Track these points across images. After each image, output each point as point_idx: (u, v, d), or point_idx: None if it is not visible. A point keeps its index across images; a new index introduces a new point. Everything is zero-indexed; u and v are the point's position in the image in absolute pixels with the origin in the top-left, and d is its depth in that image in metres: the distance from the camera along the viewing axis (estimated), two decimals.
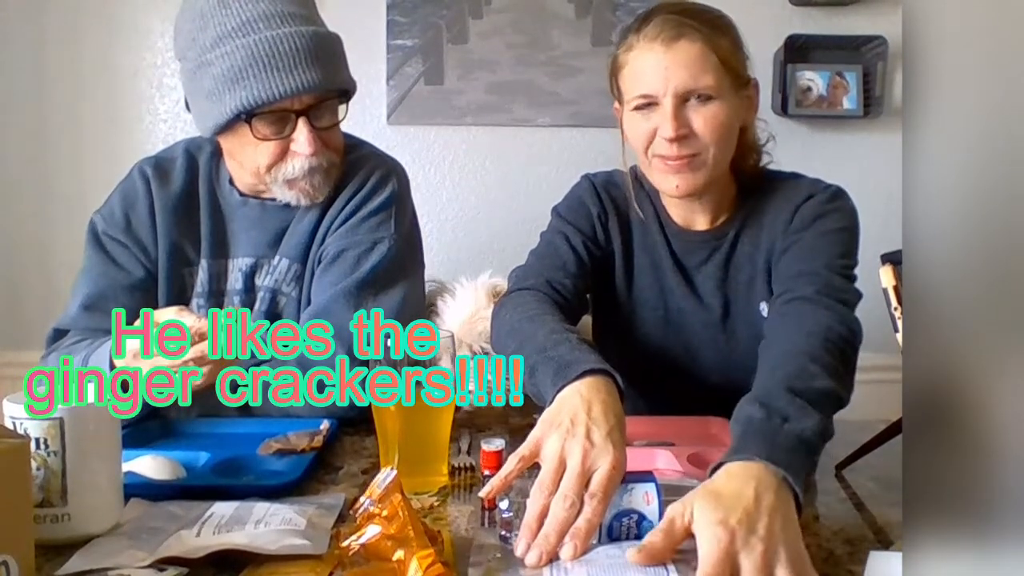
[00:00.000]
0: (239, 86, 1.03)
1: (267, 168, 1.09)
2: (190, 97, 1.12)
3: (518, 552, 0.64)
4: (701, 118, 0.99)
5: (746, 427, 0.71)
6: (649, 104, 1.00)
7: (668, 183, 1.03)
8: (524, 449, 0.71)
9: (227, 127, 1.08)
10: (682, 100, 0.98)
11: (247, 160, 1.11)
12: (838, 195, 1.07)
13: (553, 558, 0.62)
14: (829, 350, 0.83)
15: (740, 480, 0.64)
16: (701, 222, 1.11)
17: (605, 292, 1.16)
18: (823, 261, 0.98)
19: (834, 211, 1.04)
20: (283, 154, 1.08)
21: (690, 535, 0.61)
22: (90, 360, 1.02)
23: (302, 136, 1.06)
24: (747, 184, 1.10)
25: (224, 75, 1.04)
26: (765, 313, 1.08)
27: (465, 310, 1.27)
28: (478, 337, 1.23)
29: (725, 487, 0.63)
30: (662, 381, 1.15)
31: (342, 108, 1.14)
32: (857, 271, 1.02)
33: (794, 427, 0.70)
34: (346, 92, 1.13)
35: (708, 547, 0.58)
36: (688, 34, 0.97)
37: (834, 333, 0.85)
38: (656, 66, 0.98)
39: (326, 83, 1.06)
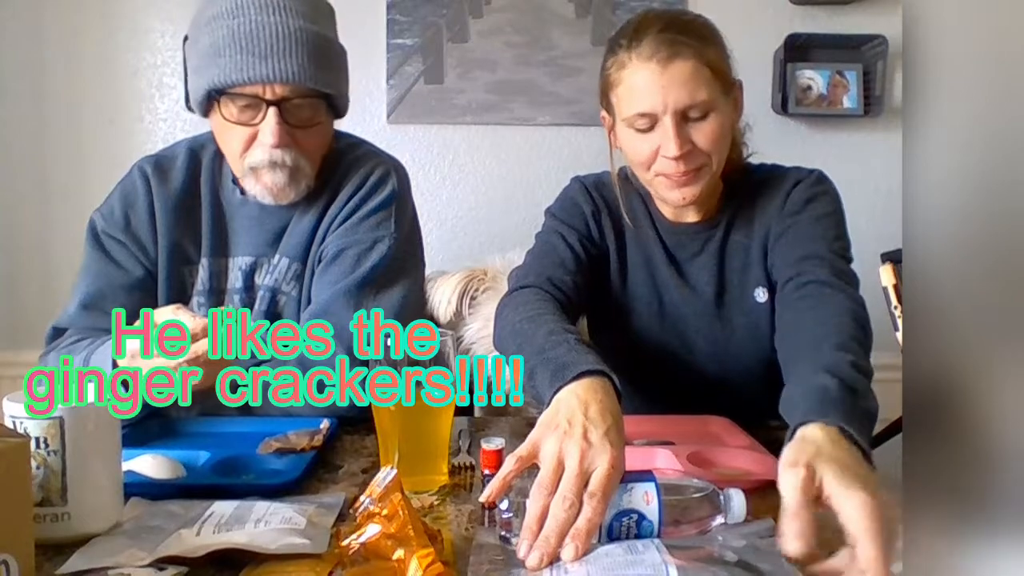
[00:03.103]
0: (215, 63, 1.04)
1: (239, 155, 1.09)
2: (188, 75, 1.13)
3: (520, 554, 0.63)
4: (701, 132, 1.01)
5: (821, 395, 0.73)
6: (647, 122, 1.01)
7: (674, 196, 1.05)
8: (522, 450, 0.70)
9: (205, 105, 1.09)
10: (681, 117, 1.00)
11: (223, 145, 1.12)
12: (822, 179, 1.12)
13: (555, 559, 0.62)
14: (861, 336, 0.87)
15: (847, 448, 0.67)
16: (692, 216, 1.13)
17: (600, 289, 1.16)
18: (825, 245, 1.02)
19: (823, 194, 1.09)
20: (252, 142, 1.08)
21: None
22: (91, 359, 1.02)
23: (268, 126, 1.05)
24: (734, 177, 1.13)
25: (206, 51, 1.05)
26: (760, 299, 1.10)
27: None
28: None
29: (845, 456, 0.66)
30: (658, 376, 1.16)
31: (339, 122, 1.14)
32: (854, 265, 1.05)
33: (858, 397, 0.75)
34: (330, 97, 1.11)
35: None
36: (682, 52, 0.98)
37: (860, 318, 0.90)
38: (652, 85, 0.99)
39: (301, 78, 1.04)
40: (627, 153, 1.07)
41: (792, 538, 0.59)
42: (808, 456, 0.64)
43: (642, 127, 1.01)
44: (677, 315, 1.15)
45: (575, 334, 0.88)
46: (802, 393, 0.75)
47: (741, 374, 1.12)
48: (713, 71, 1.00)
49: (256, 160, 1.08)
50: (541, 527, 0.64)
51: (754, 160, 1.17)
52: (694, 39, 1.00)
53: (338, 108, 1.16)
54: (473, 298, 1.52)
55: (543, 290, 1.04)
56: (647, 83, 0.99)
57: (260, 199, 1.13)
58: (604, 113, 1.12)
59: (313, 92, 1.08)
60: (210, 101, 1.08)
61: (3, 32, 2.24)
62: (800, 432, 0.69)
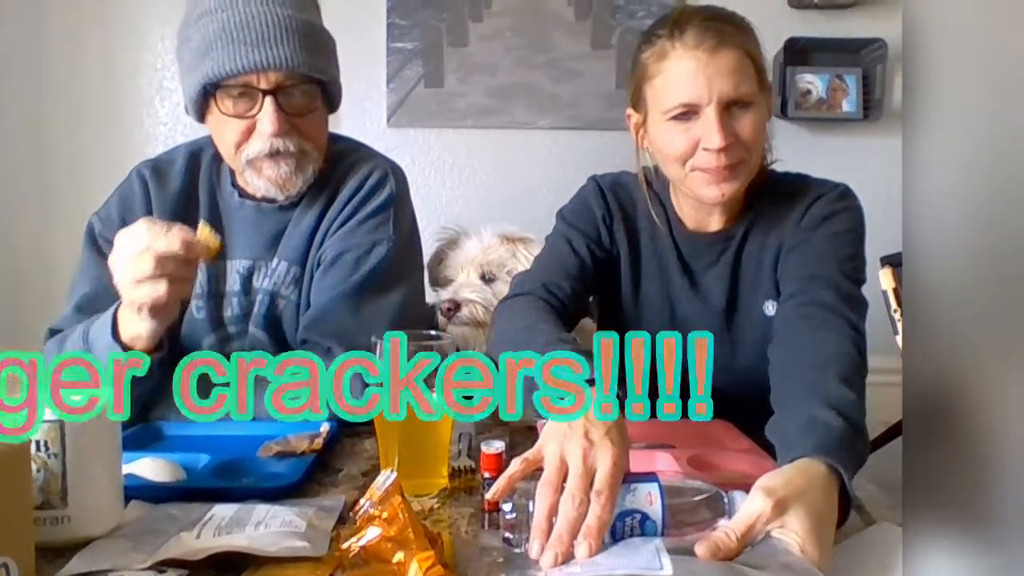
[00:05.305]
0: (208, 57, 1.04)
1: (235, 148, 1.08)
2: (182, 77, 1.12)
3: (532, 554, 0.63)
4: (742, 125, 0.99)
5: (825, 431, 0.73)
6: (687, 113, 0.99)
7: (711, 192, 1.02)
8: (528, 454, 0.71)
9: (201, 104, 1.09)
10: (725, 108, 0.98)
11: (220, 142, 1.11)
12: (846, 194, 1.08)
13: (568, 558, 0.62)
14: (862, 370, 0.86)
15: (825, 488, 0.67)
16: (715, 224, 1.11)
17: (610, 295, 1.15)
18: (835, 265, 0.99)
19: (843, 211, 1.06)
20: (250, 134, 1.07)
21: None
22: (90, 331, 1.01)
23: (266, 115, 1.05)
24: (755, 184, 1.10)
25: (197, 48, 1.05)
26: (769, 312, 1.08)
27: (476, 248, 1.46)
28: (490, 264, 1.44)
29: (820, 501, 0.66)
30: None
31: (333, 118, 1.14)
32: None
33: (860, 442, 0.74)
34: (324, 86, 1.11)
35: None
36: (728, 42, 0.97)
37: (861, 350, 0.88)
38: (697, 74, 0.97)
39: (294, 64, 1.04)
40: (661, 148, 1.04)
41: (711, 547, 0.61)
42: (793, 491, 0.64)
43: (681, 118, 0.99)
44: (688, 327, 1.12)
45: (570, 343, 0.88)
46: (806, 425, 0.74)
47: (749, 387, 1.08)
48: (756, 67, 0.99)
49: (254, 151, 1.07)
50: (550, 526, 0.64)
51: (778, 168, 1.14)
52: (739, 31, 0.99)
53: (332, 98, 1.16)
54: None
55: (536, 297, 1.04)
56: (692, 72, 0.97)
57: (265, 193, 1.12)
58: (630, 110, 1.09)
59: (307, 78, 1.08)
60: (206, 98, 1.07)
61: (3, 32, 2.24)
62: (805, 462, 0.69)
